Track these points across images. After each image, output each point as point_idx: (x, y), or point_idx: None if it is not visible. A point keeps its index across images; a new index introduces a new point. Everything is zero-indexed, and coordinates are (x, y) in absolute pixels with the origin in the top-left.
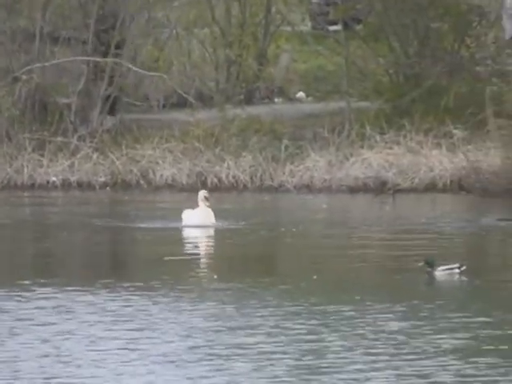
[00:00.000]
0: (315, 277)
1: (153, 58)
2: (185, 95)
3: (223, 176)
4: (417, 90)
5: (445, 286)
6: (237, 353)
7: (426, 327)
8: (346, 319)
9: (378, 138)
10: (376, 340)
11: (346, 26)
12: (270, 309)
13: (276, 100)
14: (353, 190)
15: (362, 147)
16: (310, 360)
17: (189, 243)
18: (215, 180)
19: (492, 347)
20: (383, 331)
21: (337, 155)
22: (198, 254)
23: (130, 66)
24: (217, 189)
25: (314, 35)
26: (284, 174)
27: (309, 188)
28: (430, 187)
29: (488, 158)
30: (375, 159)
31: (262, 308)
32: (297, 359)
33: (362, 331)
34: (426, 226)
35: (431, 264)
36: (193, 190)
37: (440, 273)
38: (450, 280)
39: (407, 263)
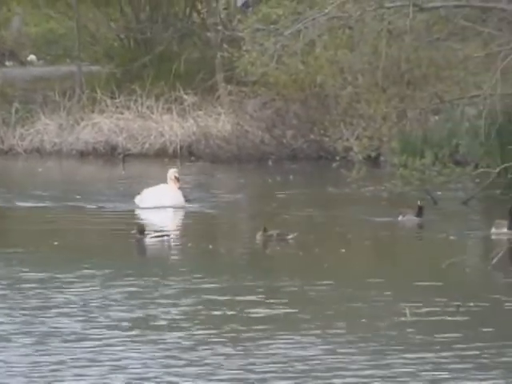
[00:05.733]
0: (56, 243)
1: None
2: None
3: None
4: (148, 55)
5: (155, 252)
6: None
7: (138, 294)
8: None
9: (108, 102)
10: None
11: None
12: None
13: (7, 63)
14: (83, 155)
15: (92, 111)
16: None
17: None
18: None
19: (218, 312)
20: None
21: (67, 119)
22: None
23: None
24: None
25: None
26: (14, 137)
27: (39, 151)
28: (161, 152)
29: (218, 123)
30: (106, 124)
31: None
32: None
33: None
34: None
35: (142, 231)
36: None
37: (150, 239)
38: (160, 246)
39: (125, 230)
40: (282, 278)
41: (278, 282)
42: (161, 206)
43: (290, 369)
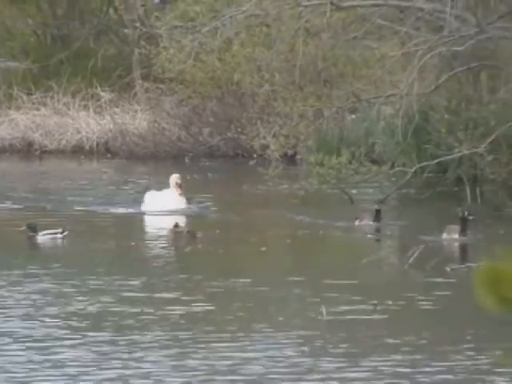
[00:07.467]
0: None
1: None
2: None
3: None
4: (64, 52)
5: (48, 250)
6: None
7: (50, 293)
8: None
9: (25, 98)
10: None
11: None
12: None
13: None
14: None
15: (9, 108)
16: None
17: None
18: None
19: (137, 310)
20: None
21: None
22: None
23: None
24: None
25: None
26: None
27: None
28: (77, 149)
29: (135, 121)
30: (22, 120)
31: None
32: None
33: None
34: (66, 190)
35: (34, 228)
36: None
37: (42, 237)
38: (53, 244)
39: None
40: (200, 276)
41: (196, 280)
42: (163, 210)
43: (216, 368)
